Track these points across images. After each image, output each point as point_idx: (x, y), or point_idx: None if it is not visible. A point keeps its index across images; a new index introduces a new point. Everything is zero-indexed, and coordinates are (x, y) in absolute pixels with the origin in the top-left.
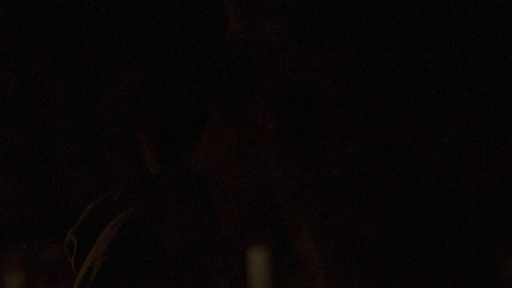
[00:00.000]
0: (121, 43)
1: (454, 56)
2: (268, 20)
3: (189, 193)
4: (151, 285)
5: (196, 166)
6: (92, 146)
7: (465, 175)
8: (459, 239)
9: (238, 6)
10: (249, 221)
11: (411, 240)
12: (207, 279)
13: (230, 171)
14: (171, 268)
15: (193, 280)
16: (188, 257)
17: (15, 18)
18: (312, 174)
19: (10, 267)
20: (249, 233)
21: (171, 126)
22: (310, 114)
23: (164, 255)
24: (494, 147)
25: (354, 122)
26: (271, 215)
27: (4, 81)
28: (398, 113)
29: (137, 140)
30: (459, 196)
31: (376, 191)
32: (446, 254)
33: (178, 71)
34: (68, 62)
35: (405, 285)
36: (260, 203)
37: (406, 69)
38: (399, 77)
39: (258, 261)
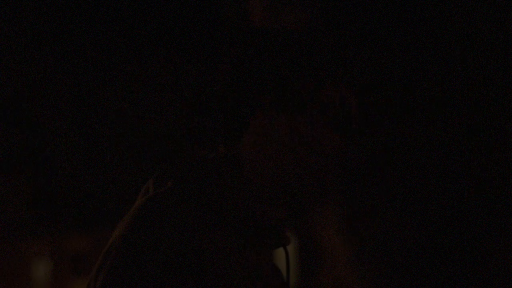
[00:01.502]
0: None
1: (454, 56)
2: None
3: (194, 194)
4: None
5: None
6: (92, 146)
7: (465, 175)
8: (459, 239)
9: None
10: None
11: (411, 240)
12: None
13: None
14: (170, 266)
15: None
16: (188, 257)
17: (15, 18)
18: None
19: (37, 256)
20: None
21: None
22: None
23: (164, 253)
24: (494, 147)
25: (354, 122)
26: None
27: (4, 81)
28: (398, 113)
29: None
30: (459, 196)
31: (376, 191)
32: (446, 254)
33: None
34: (68, 62)
35: (405, 284)
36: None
37: (406, 69)
38: (399, 77)
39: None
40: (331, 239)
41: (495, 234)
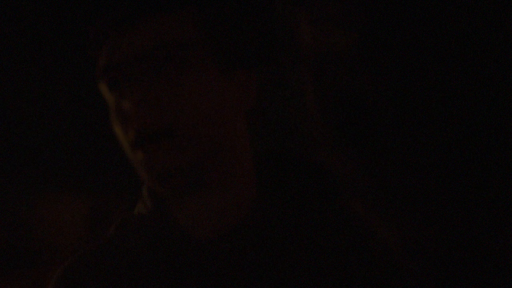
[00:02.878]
0: None
1: (454, 56)
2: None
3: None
4: None
5: None
6: (92, 146)
7: (465, 175)
8: (459, 239)
9: None
10: None
11: (411, 240)
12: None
13: None
14: None
15: None
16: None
17: (15, 18)
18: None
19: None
20: None
21: None
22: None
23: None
24: (494, 147)
25: (354, 122)
26: None
27: (4, 81)
28: (398, 113)
29: None
30: (459, 196)
31: (376, 191)
32: (446, 254)
33: None
34: (68, 62)
35: (405, 284)
36: None
37: (406, 69)
38: (399, 77)
39: None
40: None
41: (495, 234)
